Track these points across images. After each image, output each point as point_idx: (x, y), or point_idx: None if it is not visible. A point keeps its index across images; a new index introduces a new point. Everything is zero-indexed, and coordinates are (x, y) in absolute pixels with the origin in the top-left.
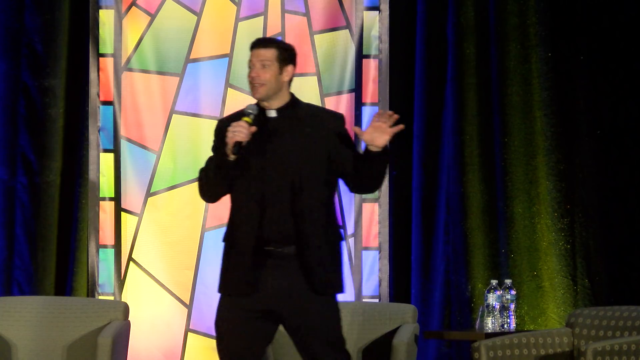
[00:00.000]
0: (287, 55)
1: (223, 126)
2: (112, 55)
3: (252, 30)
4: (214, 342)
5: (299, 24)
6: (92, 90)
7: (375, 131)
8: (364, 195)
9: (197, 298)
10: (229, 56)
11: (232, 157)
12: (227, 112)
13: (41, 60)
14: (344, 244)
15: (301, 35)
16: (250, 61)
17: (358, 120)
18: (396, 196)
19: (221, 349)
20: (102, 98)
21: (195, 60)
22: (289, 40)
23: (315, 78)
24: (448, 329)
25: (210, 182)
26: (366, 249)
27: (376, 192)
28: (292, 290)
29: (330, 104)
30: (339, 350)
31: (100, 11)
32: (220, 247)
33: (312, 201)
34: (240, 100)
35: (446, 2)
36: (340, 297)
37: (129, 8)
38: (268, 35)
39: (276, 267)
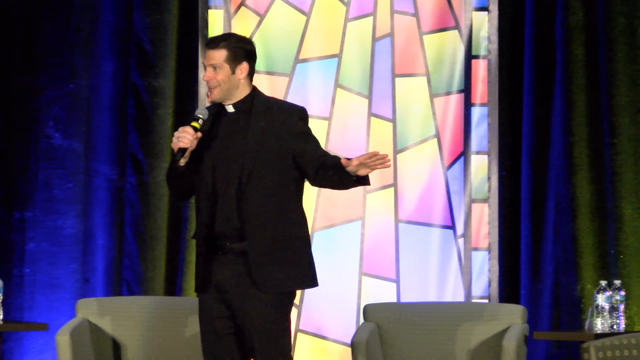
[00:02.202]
0: (239, 53)
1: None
2: None
3: (361, 30)
4: (323, 342)
5: (408, 24)
6: (201, 90)
7: (363, 166)
8: (473, 196)
9: (306, 298)
10: (338, 56)
11: (181, 161)
12: (337, 112)
13: (150, 60)
14: (305, 241)
15: (410, 36)
16: (202, 63)
17: (467, 120)
18: (505, 197)
19: (202, 348)
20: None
21: (304, 60)
22: (397, 40)
23: (424, 79)
24: (557, 329)
25: (169, 181)
26: (475, 249)
27: (486, 193)
28: (235, 285)
29: (440, 104)
30: (277, 351)
31: (210, 11)
32: (328, 247)
33: (259, 196)
34: (350, 100)
35: (555, 2)
36: (449, 298)
37: (238, 8)
38: (377, 35)
39: (224, 263)
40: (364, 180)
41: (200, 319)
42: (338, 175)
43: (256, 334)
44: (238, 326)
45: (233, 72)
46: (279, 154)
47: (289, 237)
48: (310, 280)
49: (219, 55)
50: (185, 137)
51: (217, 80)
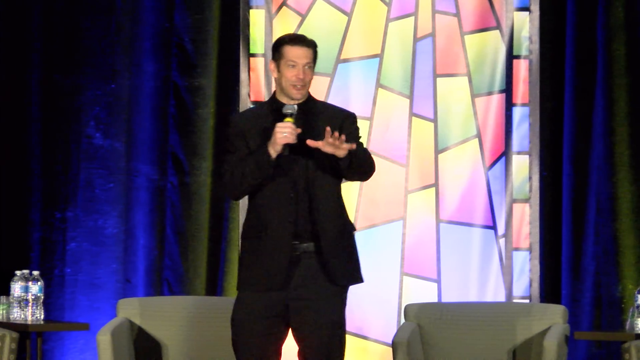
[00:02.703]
0: (316, 55)
1: (240, 122)
2: (263, 55)
3: (402, 30)
4: (364, 342)
5: (449, 24)
6: (243, 91)
7: (330, 147)
8: (514, 196)
9: (348, 298)
10: (380, 56)
11: (274, 157)
12: (378, 112)
13: (191, 60)
14: (354, 237)
15: (452, 36)
16: (290, 59)
17: (509, 120)
18: (546, 197)
19: (239, 347)
20: (252, 98)
21: (345, 60)
22: (439, 40)
23: (465, 78)
24: (598, 329)
25: (247, 181)
26: (517, 249)
27: (527, 193)
28: (310, 281)
29: (481, 104)
30: (343, 344)
31: (251, 11)
32: (369, 247)
33: (325, 194)
34: (391, 100)
35: (596, 2)
36: (490, 298)
37: (280, 8)
38: (419, 36)
39: (295, 261)
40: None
41: (246, 318)
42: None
43: (327, 328)
44: (290, 325)
45: (313, 74)
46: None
47: (348, 233)
48: (361, 274)
49: (311, 54)
50: (292, 133)
51: (308, 80)
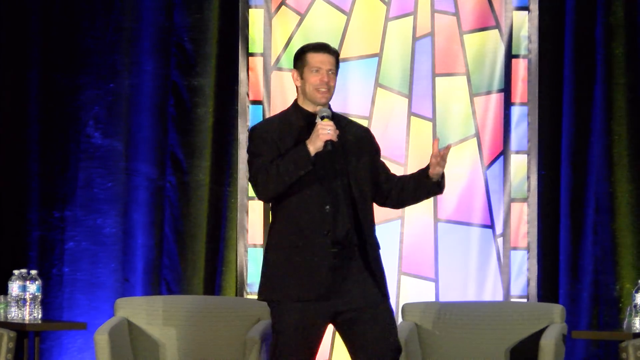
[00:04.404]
0: (338, 64)
1: (270, 129)
2: (262, 54)
3: (401, 30)
4: None
5: (448, 23)
6: (242, 90)
7: (435, 159)
8: (512, 195)
9: None
10: (379, 56)
11: (313, 154)
12: (377, 111)
13: (190, 59)
14: None
15: (451, 35)
16: (313, 65)
17: (507, 120)
18: (545, 196)
19: (282, 355)
20: (251, 97)
21: (344, 59)
22: (438, 40)
23: (464, 78)
24: (596, 329)
25: (283, 179)
26: (515, 248)
27: (525, 192)
28: (365, 293)
29: (480, 103)
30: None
31: (250, 10)
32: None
33: (363, 202)
34: (390, 99)
35: (595, 2)
36: (488, 297)
37: (279, 7)
38: (418, 35)
39: (344, 270)
40: (439, 186)
41: (296, 326)
42: (415, 181)
43: (382, 331)
44: (343, 333)
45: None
46: (370, 164)
47: (377, 243)
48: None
49: (333, 61)
50: (333, 130)
51: (332, 85)
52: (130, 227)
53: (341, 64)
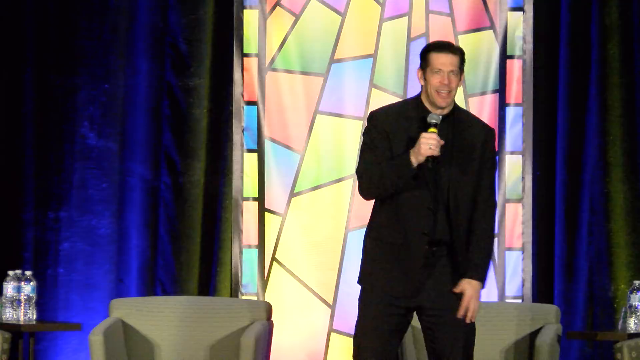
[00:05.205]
0: (463, 62)
1: (386, 122)
2: (257, 55)
3: (396, 30)
4: None
5: (443, 24)
6: (236, 90)
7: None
8: (507, 196)
9: (340, 298)
10: (373, 56)
11: (415, 166)
12: None
13: (185, 60)
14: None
15: (445, 36)
16: (435, 66)
17: (502, 120)
18: (539, 197)
19: (364, 346)
20: (246, 98)
21: (339, 60)
22: (433, 40)
23: None
24: (591, 329)
25: (384, 186)
26: (509, 249)
27: (520, 193)
28: (444, 292)
29: (474, 104)
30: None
31: (245, 11)
32: None
33: (463, 207)
34: (385, 100)
35: (590, 2)
36: (483, 298)
37: (274, 8)
38: (412, 36)
39: (434, 268)
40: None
41: (378, 314)
42: (461, 256)
43: (462, 332)
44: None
45: (459, 80)
46: (477, 171)
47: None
48: None
49: (456, 61)
50: (435, 145)
51: (454, 86)
52: (125, 227)
53: (336, 65)
